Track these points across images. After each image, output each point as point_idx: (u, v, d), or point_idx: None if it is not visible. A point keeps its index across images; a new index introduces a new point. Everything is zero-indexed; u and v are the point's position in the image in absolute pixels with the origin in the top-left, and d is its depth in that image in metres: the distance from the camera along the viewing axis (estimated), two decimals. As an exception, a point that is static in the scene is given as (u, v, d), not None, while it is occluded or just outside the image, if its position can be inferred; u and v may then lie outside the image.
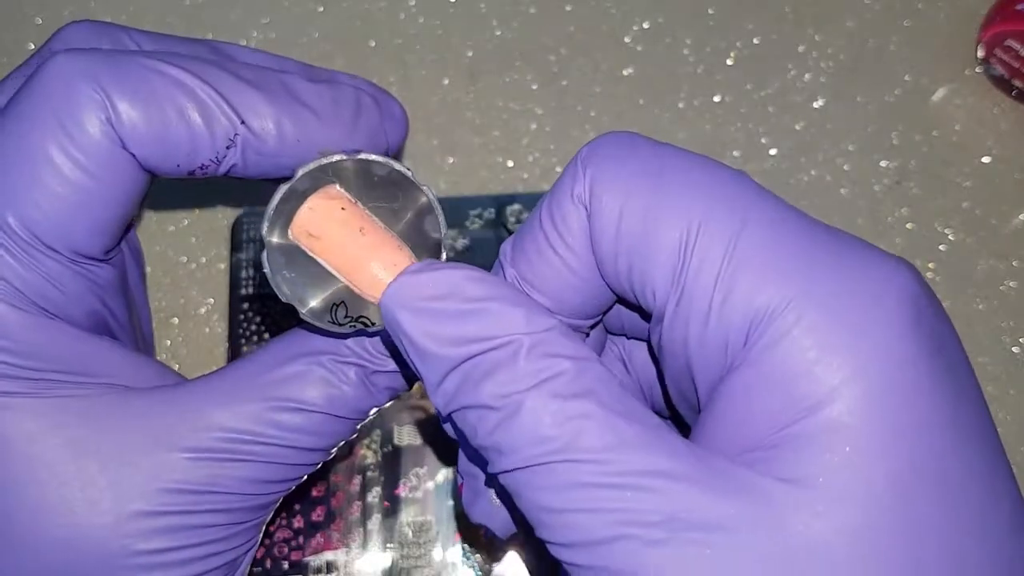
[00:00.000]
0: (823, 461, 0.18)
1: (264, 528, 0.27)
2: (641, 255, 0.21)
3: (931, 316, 0.20)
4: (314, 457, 0.26)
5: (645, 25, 0.43)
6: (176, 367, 0.38)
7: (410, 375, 0.26)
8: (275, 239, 0.23)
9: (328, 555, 0.34)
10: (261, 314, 0.37)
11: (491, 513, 0.24)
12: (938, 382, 0.19)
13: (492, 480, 0.22)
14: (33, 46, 0.43)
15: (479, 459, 0.22)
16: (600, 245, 0.21)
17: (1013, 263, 0.40)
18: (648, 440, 0.19)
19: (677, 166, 0.21)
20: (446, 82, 0.42)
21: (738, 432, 0.19)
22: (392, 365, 0.25)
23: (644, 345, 0.27)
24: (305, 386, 0.25)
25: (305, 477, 0.26)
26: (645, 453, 0.19)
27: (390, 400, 0.27)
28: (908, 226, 0.41)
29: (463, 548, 0.34)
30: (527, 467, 0.19)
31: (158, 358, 0.38)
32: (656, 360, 0.25)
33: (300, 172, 0.23)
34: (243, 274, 0.38)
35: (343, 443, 0.27)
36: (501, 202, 0.39)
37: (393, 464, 0.35)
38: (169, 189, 0.40)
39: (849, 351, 0.18)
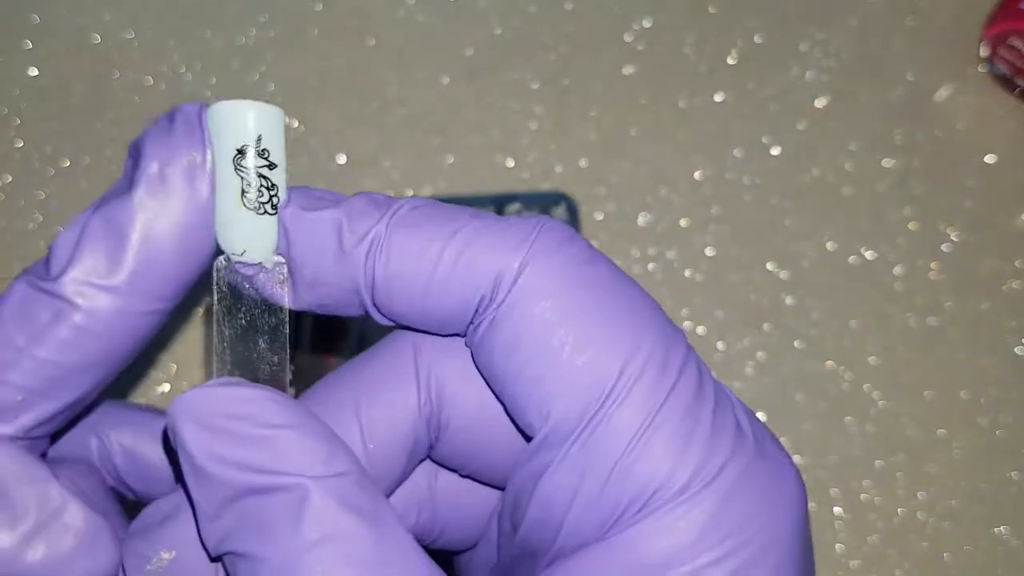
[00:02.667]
0: None
1: None
2: (551, 368, 0.18)
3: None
4: None
5: (646, 23, 0.43)
6: (173, 368, 0.37)
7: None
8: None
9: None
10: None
11: None
12: None
13: None
14: (31, 45, 0.43)
15: None
16: (502, 333, 0.19)
17: (1016, 263, 0.40)
18: None
19: (623, 288, 0.19)
20: (445, 81, 0.42)
21: None
22: None
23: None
24: None
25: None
26: None
27: None
28: (911, 226, 0.40)
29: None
30: None
31: (155, 358, 0.38)
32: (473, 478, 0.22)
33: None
34: (241, 274, 0.38)
35: None
36: (501, 202, 0.39)
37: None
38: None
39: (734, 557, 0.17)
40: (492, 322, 0.19)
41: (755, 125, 0.42)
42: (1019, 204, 0.41)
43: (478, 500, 0.23)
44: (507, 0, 0.43)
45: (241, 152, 0.20)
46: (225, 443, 0.18)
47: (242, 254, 0.20)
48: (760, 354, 0.39)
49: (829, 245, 0.40)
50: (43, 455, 0.21)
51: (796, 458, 0.38)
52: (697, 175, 0.41)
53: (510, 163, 0.41)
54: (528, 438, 0.19)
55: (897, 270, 0.40)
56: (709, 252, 0.40)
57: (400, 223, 0.19)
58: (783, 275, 0.40)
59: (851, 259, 0.40)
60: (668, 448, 0.18)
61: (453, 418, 0.21)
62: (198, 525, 0.18)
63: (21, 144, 0.41)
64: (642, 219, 0.40)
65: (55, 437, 0.22)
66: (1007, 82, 0.42)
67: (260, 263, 0.20)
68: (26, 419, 0.19)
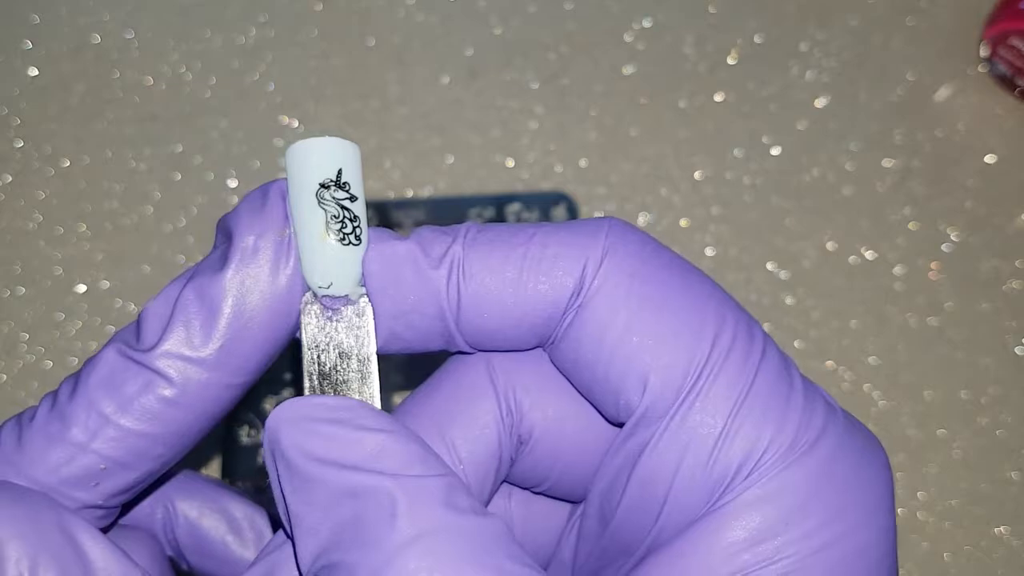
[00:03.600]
0: None
1: None
2: (644, 346, 0.19)
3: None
4: None
5: (646, 23, 0.43)
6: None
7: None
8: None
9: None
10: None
11: None
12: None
13: None
14: (31, 45, 0.43)
15: None
16: (591, 321, 0.19)
17: (1016, 263, 0.40)
18: None
19: (694, 271, 0.20)
20: (445, 80, 0.42)
21: None
22: None
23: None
24: None
25: None
26: None
27: None
28: (911, 226, 0.40)
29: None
30: None
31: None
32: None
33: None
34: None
35: None
36: (501, 202, 0.39)
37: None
38: (166, 187, 0.40)
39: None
40: (579, 313, 0.19)
41: (755, 125, 0.42)
42: (1019, 204, 0.41)
43: (551, 519, 0.23)
44: (507, 0, 0.43)
45: (324, 186, 0.20)
46: (324, 444, 0.18)
47: (328, 287, 0.20)
48: (760, 354, 0.39)
49: (829, 245, 0.40)
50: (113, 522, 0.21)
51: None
52: (697, 175, 0.41)
53: (510, 163, 0.41)
54: (619, 425, 0.20)
55: (897, 270, 0.40)
56: (709, 252, 0.40)
57: (474, 242, 0.20)
58: (783, 275, 0.39)
59: (851, 259, 0.40)
60: (768, 415, 0.18)
61: (535, 429, 0.21)
62: (296, 548, 0.18)
63: (21, 144, 0.41)
64: (642, 219, 0.40)
65: (127, 505, 0.22)
66: (1007, 82, 0.42)
67: (346, 295, 0.21)
68: (107, 487, 0.20)
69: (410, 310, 0.20)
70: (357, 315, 0.21)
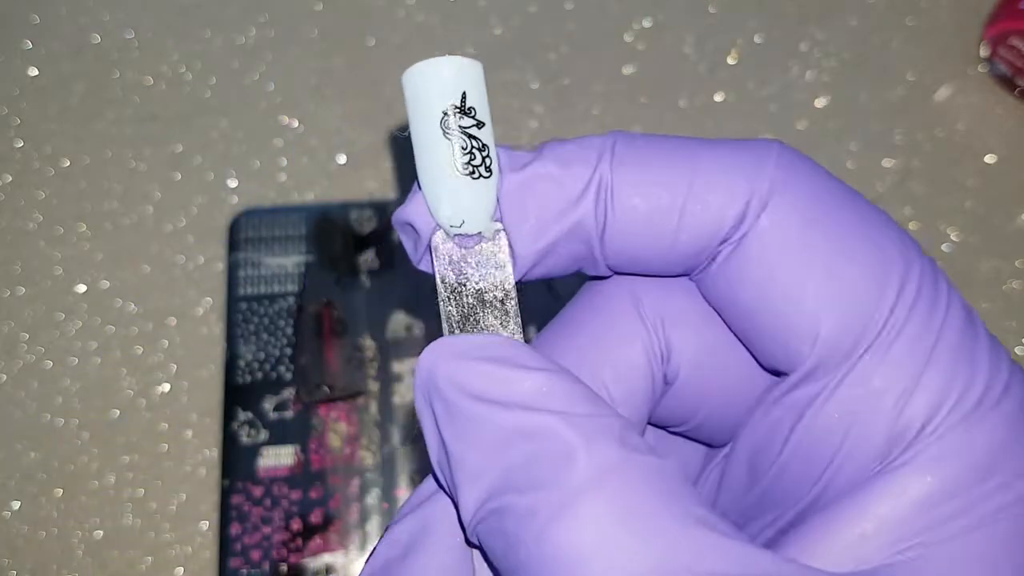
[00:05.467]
0: None
1: None
2: (818, 292, 0.17)
3: None
4: None
5: (646, 23, 0.43)
6: (173, 368, 0.37)
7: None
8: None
9: (327, 557, 0.34)
10: (258, 314, 0.37)
11: None
12: None
13: None
14: (31, 45, 0.43)
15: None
16: (754, 260, 0.18)
17: (1016, 263, 0.40)
18: (749, 553, 0.15)
19: (869, 205, 0.18)
20: (446, 81, 0.42)
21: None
22: None
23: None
24: None
25: None
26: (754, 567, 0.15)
27: None
28: (911, 225, 0.40)
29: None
30: None
31: (155, 358, 0.37)
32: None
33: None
34: (241, 274, 0.38)
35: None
36: (501, 202, 0.39)
37: (392, 466, 0.35)
38: (166, 187, 0.40)
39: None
40: (741, 248, 0.18)
41: (755, 125, 0.42)
42: (1020, 204, 0.41)
43: (686, 462, 0.21)
44: (507, 0, 0.43)
45: (447, 114, 0.18)
46: (487, 383, 0.17)
47: (461, 225, 0.18)
48: (760, 354, 0.39)
49: (829, 245, 0.40)
50: None
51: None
52: (697, 175, 0.41)
53: (510, 163, 0.41)
54: (778, 373, 0.18)
55: (897, 270, 0.40)
56: (709, 252, 0.40)
57: (623, 160, 0.18)
58: (783, 275, 0.40)
59: (851, 259, 0.40)
60: (955, 371, 0.17)
61: (682, 369, 0.19)
62: (457, 495, 0.17)
63: (21, 144, 0.41)
64: (642, 219, 0.40)
65: None
66: (1007, 82, 0.42)
67: (480, 232, 0.19)
68: None
69: (552, 239, 0.19)
70: (493, 250, 0.19)
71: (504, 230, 0.19)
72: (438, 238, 0.19)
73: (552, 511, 0.15)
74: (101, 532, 0.35)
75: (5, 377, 0.37)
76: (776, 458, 0.18)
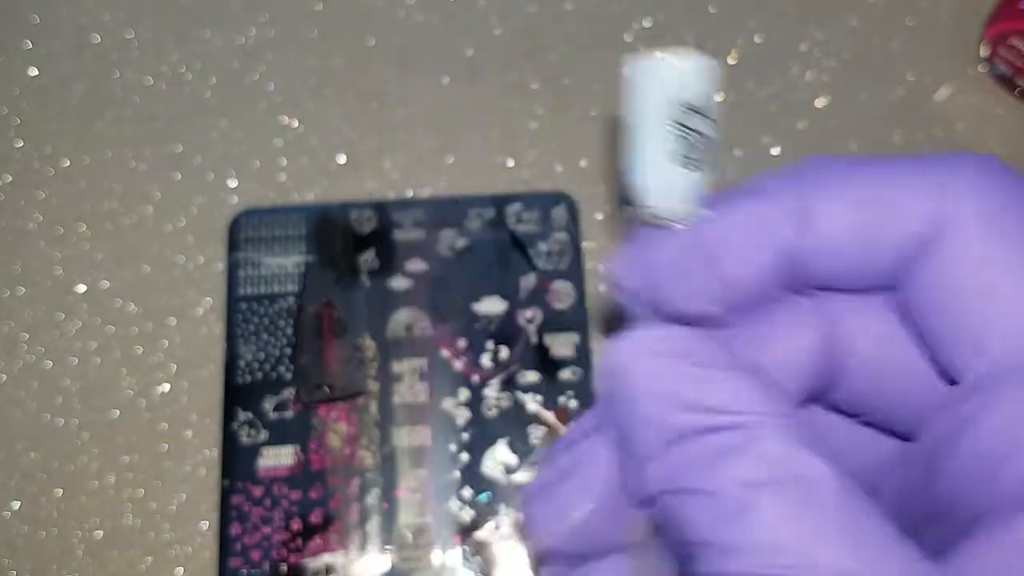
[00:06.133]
0: None
1: None
2: (993, 310, 0.17)
3: None
4: None
5: (646, 23, 0.43)
6: (173, 368, 0.37)
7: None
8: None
9: (326, 557, 0.34)
10: (258, 314, 0.37)
11: None
12: None
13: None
14: (31, 45, 0.43)
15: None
16: (936, 275, 0.18)
17: (1017, 263, 0.40)
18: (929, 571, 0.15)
19: None
20: (446, 81, 0.42)
21: None
22: None
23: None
24: None
25: None
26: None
27: None
28: (911, 226, 0.40)
29: (463, 551, 0.34)
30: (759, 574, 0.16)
31: (155, 358, 0.37)
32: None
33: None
34: (241, 274, 0.38)
35: None
36: (501, 202, 0.39)
37: (392, 465, 0.35)
38: (166, 187, 0.40)
39: None
40: (929, 261, 0.18)
41: (755, 125, 0.42)
42: (1019, 204, 0.41)
43: (868, 452, 0.22)
44: (507, 0, 0.43)
45: (677, 109, 0.19)
46: (675, 381, 0.17)
47: (662, 211, 0.19)
48: (760, 354, 0.39)
49: (829, 245, 0.40)
50: None
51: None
52: (697, 175, 0.41)
53: (510, 163, 0.41)
54: (948, 378, 0.18)
55: (897, 270, 0.40)
56: (709, 252, 0.40)
57: (827, 183, 0.18)
58: (783, 275, 0.39)
59: (851, 259, 0.40)
60: None
61: (852, 360, 0.19)
62: (628, 469, 0.17)
63: (21, 144, 0.41)
64: (642, 219, 0.40)
65: None
66: (1007, 82, 0.42)
67: (680, 218, 0.19)
68: None
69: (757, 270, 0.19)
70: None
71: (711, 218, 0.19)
72: (639, 212, 0.19)
73: (725, 510, 0.16)
74: (101, 532, 0.35)
75: (5, 377, 0.37)
76: (945, 468, 0.18)
